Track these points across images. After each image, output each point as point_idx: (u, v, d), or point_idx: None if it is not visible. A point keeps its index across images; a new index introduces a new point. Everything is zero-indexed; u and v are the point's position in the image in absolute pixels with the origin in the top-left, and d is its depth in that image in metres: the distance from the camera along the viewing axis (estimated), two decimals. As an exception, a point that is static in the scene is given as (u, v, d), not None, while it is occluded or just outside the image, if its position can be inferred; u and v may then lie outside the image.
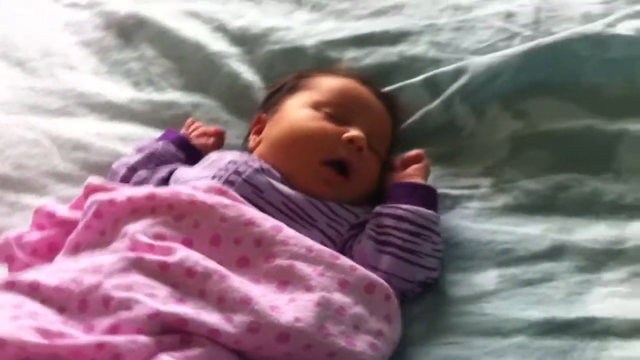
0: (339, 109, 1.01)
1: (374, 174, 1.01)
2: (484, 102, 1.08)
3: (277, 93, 1.10)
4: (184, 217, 0.87)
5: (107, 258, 0.83)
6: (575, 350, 0.82)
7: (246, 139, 1.12)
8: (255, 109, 1.19)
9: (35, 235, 0.98)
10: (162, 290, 0.79)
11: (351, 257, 0.90)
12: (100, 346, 0.71)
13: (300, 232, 0.89)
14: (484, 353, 0.83)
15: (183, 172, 1.02)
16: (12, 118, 1.22)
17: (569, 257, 0.91)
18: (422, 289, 0.92)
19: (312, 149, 0.97)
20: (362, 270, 0.83)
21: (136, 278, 0.79)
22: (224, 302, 0.77)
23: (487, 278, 0.92)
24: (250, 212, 0.86)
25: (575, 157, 1.01)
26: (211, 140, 1.14)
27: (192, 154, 1.10)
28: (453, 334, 0.87)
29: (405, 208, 0.93)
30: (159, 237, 0.85)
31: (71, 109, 1.25)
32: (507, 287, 0.90)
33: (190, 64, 1.28)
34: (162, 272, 0.80)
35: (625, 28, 1.08)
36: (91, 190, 0.97)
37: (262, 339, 0.75)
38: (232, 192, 0.90)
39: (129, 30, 1.34)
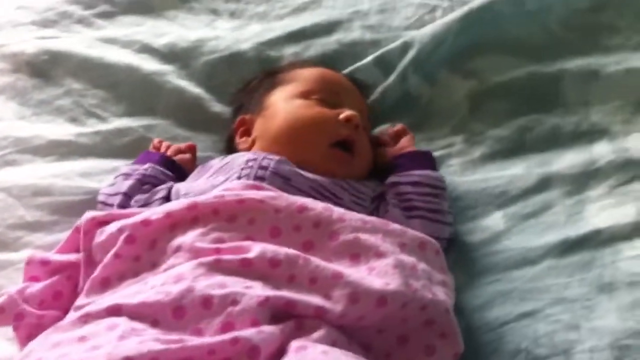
0: (326, 95, 1.06)
1: (369, 148, 1.07)
2: (434, 69, 1.19)
3: (255, 93, 1.11)
4: (237, 218, 0.86)
5: (181, 268, 0.80)
6: (595, 259, 0.93)
7: (229, 144, 1.12)
8: (211, 120, 1.20)
9: (37, 286, 0.91)
10: (255, 283, 0.78)
11: None
12: (234, 341, 0.70)
13: None
14: (526, 281, 0.93)
15: (185, 186, 1.01)
16: (-53, 179, 1.11)
17: (556, 185, 1.04)
18: (447, 244, 0.99)
19: (317, 134, 1.01)
20: (411, 231, 0.89)
21: (222, 278, 0.78)
22: (317, 281, 0.79)
23: (495, 220, 1.02)
24: (298, 199, 0.88)
25: (527, 101, 1.14)
26: (188, 155, 1.13)
27: (177, 172, 1.08)
28: (490, 273, 0.95)
29: (418, 174, 1.01)
30: (219, 241, 0.84)
31: (11, 157, 1.15)
32: (515, 223, 1.01)
33: (127, 89, 1.23)
34: (244, 269, 0.80)
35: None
36: (97, 223, 0.93)
37: (364, 307, 0.78)
38: (267, 185, 0.91)
39: (44, 68, 1.26)
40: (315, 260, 0.80)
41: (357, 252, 0.84)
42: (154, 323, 0.75)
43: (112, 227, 0.89)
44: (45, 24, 1.34)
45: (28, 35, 1.32)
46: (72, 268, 0.94)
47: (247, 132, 1.09)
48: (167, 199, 1.00)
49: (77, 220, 1.00)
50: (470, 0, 1.25)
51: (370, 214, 0.99)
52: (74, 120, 1.21)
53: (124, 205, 1.01)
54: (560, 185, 1.04)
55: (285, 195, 0.88)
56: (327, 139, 1.01)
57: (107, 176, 1.11)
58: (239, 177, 0.95)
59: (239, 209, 0.87)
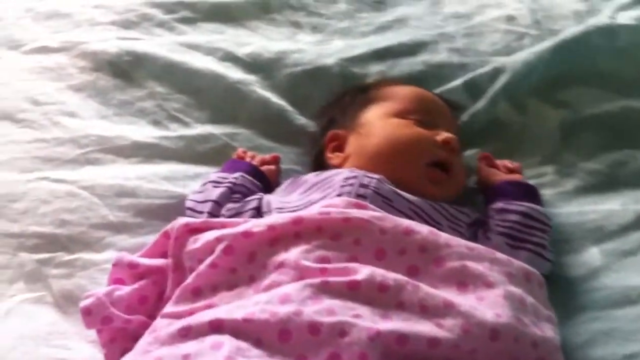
0: (423, 115, 1.05)
1: (464, 172, 1.07)
2: (526, 97, 1.18)
3: (349, 108, 1.10)
4: (342, 236, 0.84)
5: (287, 288, 0.78)
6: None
7: (318, 159, 1.10)
8: (295, 133, 1.18)
9: (125, 290, 0.90)
10: (364, 310, 0.76)
11: None
12: None
13: None
14: (629, 321, 0.90)
15: (278, 200, 0.99)
16: (30, 175, 1.09)
17: (653, 221, 1.02)
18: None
19: (415, 154, 1.00)
20: (517, 262, 0.86)
21: (331, 302, 0.76)
22: (427, 309, 0.76)
23: (591, 255, 1.00)
24: (404, 220, 0.86)
25: (620, 135, 1.13)
26: (273, 167, 1.11)
27: (264, 182, 1.07)
28: (589, 310, 0.93)
29: (528, 205, 0.99)
30: (323, 260, 0.82)
31: (94, 155, 1.13)
32: (613, 260, 0.99)
33: (211, 96, 1.22)
34: (351, 292, 0.77)
35: (625, 18, 1.23)
36: (191, 230, 0.90)
37: (477, 339, 0.75)
38: (370, 205, 0.89)
39: (127, 69, 1.25)
40: (424, 287, 0.78)
41: (465, 280, 0.82)
42: (258, 342, 0.73)
43: (209, 236, 0.87)
44: (126, 25, 1.33)
45: (108, 34, 1.31)
46: (159, 273, 0.92)
47: (340, 148, 1.07)
48: (257, 210, 0.99)
49: (160, 223, 1.00)
50: (558, 30, 1.25)
51: (468, 240, 0.97)
52: (157, 123, 1.20)
53: (214, 213, 0.99)
54: (659, 221, 1.02)
55: (390, 216, 0.86)
56: (424, 159, 1.00)
57: (190, 182, 1.09)
58: (339, 195, 0.93)
59: (344, 227, 0.85)
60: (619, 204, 1.05)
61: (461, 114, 1.17)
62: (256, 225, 0.86)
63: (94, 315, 0.85)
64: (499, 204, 1.00)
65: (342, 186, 0.94)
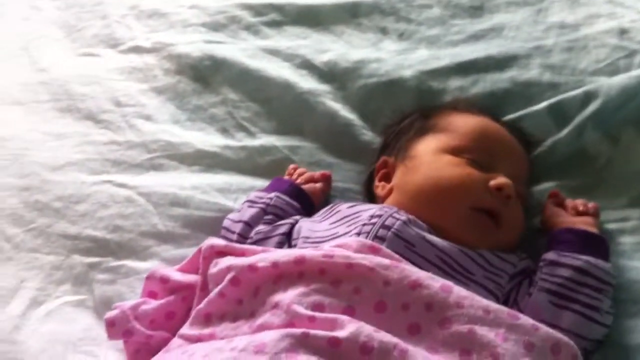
0: (480, 154, 0.94)
1: (522, 220, 0.95)
2: (619, 128, 1.01)
3: (404, 135, 1.02)
4: (342, 283, 0.79)
5: (266, 335, 0.74)
6: None
7: (368, 185, 1.04)
8: (359, 149, 1.12)
9: (151, 305, 0.91)
10: None
11: (518, 311, 0.83)
12: None
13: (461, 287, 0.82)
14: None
15: (309, 226, 0.94)
16: (97, 177, 1.14)
17: None
18: (597, 346, 0.84)
19: (459, 197, 0.90)
20: (544, 329, 0.75)
21: (304, 358, 0.71)
22: None
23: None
24: (414, 272, 0.78)
25: None
26: (319, 185, 1.06)
27: (305, 202, 1.03)
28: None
29: (585, 259, 0.85)
30: (317, 307, 0.77)
31: (159, 161, 1.16)
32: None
33: (279, 106, 1.19)
34: (332, 349, 0.72)
35: None
36: (216, 252, 0.90)
37: None
38: (385, 249, 0.82)
39: (206, 74, 1.26)
40: (412, 352, 0.70)
41: (469, 348, 0.73)
42: None
43: (224, 263, 0.86)
44: (215, 27, 1.33)
45: (196, 37, 1.32)
46: (189, 289, 0.93)
47: (387, 177, 1.00)
48: (288, 234, 0.95)
49: (205, 236, 0.99)
50: (679, 48, 1.06)
51: (508, 294, 0.87)
52: (224, 131, 1.19)
53: (244, 234, 0.97)
54: None
55: (401, 265, 0.78)
56: (468, 202, 0.90)
57: (243, 195, 1.08)
58: (359, 233, 0.86)
59: (346, 273, 0.79)
60: None
61: (538, 145, 1.03)
62: (262, 260, 0.83)
63: (117, 328, 0.88)
64: (551, 255, 0.87)
65: (364, 224, 0.88)
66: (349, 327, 0.73)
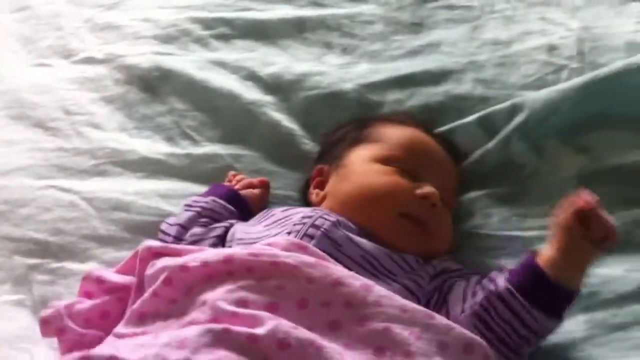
0: (409, 164, 0.98)
1: (449, 227, 0.98)
2: (544, 139, 1.06)
3: (339, 145, 1.06)
4: (267, 280, 0.81)
5: (189, 331, 0.76)
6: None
7: (304, 191, 1.08)
8: (300, 158, 1.16)
9: (86, 304, 0.92)
10: None
11: (446, 314, 0.87)
12: None
13: (382, 287, 0.85)
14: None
15: (243, 229, 0.98)
16: (43, 182, 1.16)
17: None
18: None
19: (387, 204, 0.94)
20: (458, 329, 0.78)
21: (224, 354, 0.73)
22: None
23: (575, 324, 0.89)
24: (337, 270, 0.81)
25: (645, 191, 0.99)
26: (257, 191, 1.10)
27: (242, 207, 1.05)
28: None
29: (535, 316, 0.82)
30: (241, 303, 0.79)
31: (104, 167, 1.18)
32: (598, 333, 0.88)
33: (225, 115, 1.23)
34: (251, 345, 0.74)
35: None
36: (152, 254, 0.92)
37: None
38: (312, 247, 0.85)
39: (154, 84, 1.29)
40: (330, 351, 0.73)
41: (384, 345, 0.76)
42: None
43: (159, 264, 0.88)
44: (166, 39, 1.36)
45: (147, 48, 1.35)
46: (124, 290, 0.94)
47: (322, 185, 1.04)
48: (222, 237, 0.98)
49: (145, 240, 1.00)
50: (603, 63, 1.12)
51: (432, 293, 0.90)
52: (169, 139, 1.22)
53: (179, 236, 1.00)
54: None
55: (324, 263, 0.82)
56: (397, 209, 0.94)
57: (184, 200, 1.10)
58: (289, 233, 0.90)
59: (271, 271, 0.82)
60: (623, 269, 0.93)
61: (467, 155, 1.08)
62: (193, 260, 0.85)
63: (51, 326, 0.89)
64: (504, 290, 0.83)
65: (295, 224, 0.91)
66: (268, 324, 0.75)
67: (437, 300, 0.90)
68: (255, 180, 1.12)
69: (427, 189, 0.95)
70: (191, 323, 0.80)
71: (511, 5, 1.28)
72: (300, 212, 0.94)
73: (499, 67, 1.18)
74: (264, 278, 0.82)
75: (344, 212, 0.94)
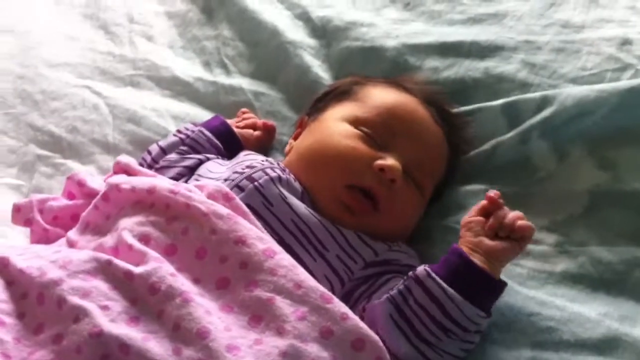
0: (380, 130, 0.88)
1: (412, 211, 0.88)
2: (569, 142, 0.91)
3: (326, 97, 0.98)
4: (176, 220, 0.79)
5: (78, 254, 0.77)
6: None
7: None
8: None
9: (60, 203, 0.95)
10: (118, 305, 0.71)
11: (362, 308, 0.80)
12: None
13: (303, 259, 0.79)
14: None
15: (210, 166, 0.95)
16: (81, 81, 1.21)
17: (621, 355, 0.74)
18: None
19: (337, 170, 0.85)
20: (354, 321, 0.71)
21: (98, 284, 0.73)
22: (179, 330, 0.69)
23: (519, 358, 0.77)
24: (246, 228, 0.76)
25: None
26: (256, 133, 1.06)
27: (233, 145, 1.02)
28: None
29: (450, 294, 0.75)
30: (143, 238, 0.78)
31: (138, 79, 1.21)
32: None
33: (263, 51, 1.19)
34: (126, 281, 0.73)
35: None
36: (119, 168, 0.93)
37: None
38: (237, 200, 0.80)
39: (213, 6, 1.28)
40: (196, 307, 0.69)
41: (261, 315, 0.71)
42: (23, 296, 0.73)
43: (111, 179, 0.89)
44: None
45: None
46: (99, 197, 0.97)
47: (298, 137, 0.97)
48: (193, 169, 0.96)
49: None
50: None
51: (357, 282, 0.82)
52: (206, 64, 1.22)
53: (157, 159, 1.00)
54: (628, 358, 0.74)
55: (237, 219, 0.77)
56: (345, 179, 0.85)
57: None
58: (226, 180, 0.85)
59: (183, 212, 0.79)
60: (597, 312, 0.79)
61: (468, 145, 0.96)
62: (126, 182, 0.85)
63: (20, 214, 0.94)
64: (421, 271, 0.78)
65: (235, 172, 0.87)
66: (148, 265, 0.73)
67: (364, 292, 0.82)
68: (260, 121, 1.08)
69: (389, 161, 0.85)
70: (100, 245, 0.81)
71: (605, -15, 1.09)
72: (252, 160, 0.89)
73: (556, 52, 1.02)
74: (175, 218, 0.80)
75: (297, 169, 0.88)
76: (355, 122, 0.89)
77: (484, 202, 0.83)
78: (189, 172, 0.96)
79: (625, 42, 0.99)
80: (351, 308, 0.79)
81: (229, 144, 1.02)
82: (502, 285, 0.79)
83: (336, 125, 0.89)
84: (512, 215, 0.80)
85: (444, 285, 0.76)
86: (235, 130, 1.05)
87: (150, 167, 1.00)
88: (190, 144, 1.00)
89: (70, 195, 0.98)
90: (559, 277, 0.83)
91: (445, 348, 0.76)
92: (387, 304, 0.78)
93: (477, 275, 0.77)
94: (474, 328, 0.77)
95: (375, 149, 0.87)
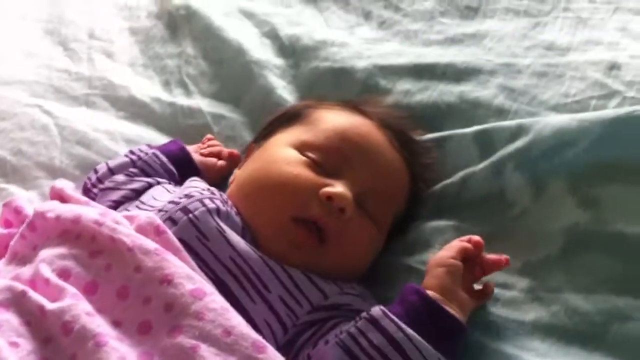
0: (329, 156, 0.80)
1: (366, 245, 0.79)
2: (547, 176, 0.81)
3: (276, 121, 0.90)
4: (100, 255, 0.71)
5: None
6: None
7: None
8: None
9: None
10: (28, 343, 0.64)
11: (307, 356, 0.71)
12: None
13: (241, 300, 0.71)
14: None
15: (157, 193, 0.87)
16: (33, 100, 1.13)
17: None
18: None
19: (279, 201, 0.76)
20: None
21: (9, 317, 0.66)
22: None
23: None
24: (174, 266, 0.68)
25: (643, 276, 0.73)
26: (220, 162, 0.98)
27: (189, 173, 0.93)
28: None
29: (410, 335, 0.68)
30: (63, 273, 0.70)
31: (93, 99, 1.13)
32: None
33: (227, 70, 1.12)
34: (40, 317, 0.66)
35: None
36: (54, 194, 0.87)
37: None
38: (169, 234, 0.72)
39: (178, 23, 1.21)
40: (108, 349, 0.62)
41: None
42: None
43: (40, 206, 0.81)
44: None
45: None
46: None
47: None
48: (141, 192, 0.88)
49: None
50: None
51: (301, 327, 0.73)
52: (166, 84, 1.15)
53: (102, 179, 0.93)
54: None
55: (164, 255, 0.68)
56: (290, 211, 0.76)
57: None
58: (160, 210, 0.77)
59: (107, 246, 0.71)
60: (574, 370, 0.69)
61: (442, 173, 0.87)
62: (52, 210, 0.78)
63: None
64: (376, 311, 0.70)
65: (171, 202, 0.78)
66: (64, 301, 0.66)
67: (309, 339, 0.73)
68: (226, 150, 1.00)
69: (338, 188, 0.76)
70: (17, 276, 0.73)
71: (593, 6, 1.00)
72: (193, 189, 0.81)
73: (538, 77, 0.93)
74: (99, 252, 0.72)
75: (237, 201, 0.80)
76: (301, 147, 0.81)
77: (466, 245, 0.76)
78: (136, 196, 0.88)
79: (613, 67, 0.90)
80: (294, 357, 0.71)
81: (184, 171, 0.94)
82: (464, 329, 0.71)
83: (280, 151, 0.81)
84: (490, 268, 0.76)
85: (403, 325, 0.68)
86: (197, 157, 0.97)
87: (94, 186, 0.92)
88: (141, 167, 0.92)
89: (6, 223, 0.90)
90: (529, 327, 0.74)
91: None
92: (336, 348, 0.69)
93: (439, 316, 0.70)
94: None
95: (323, 176, 0.78)
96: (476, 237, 0.77)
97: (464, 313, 0.73)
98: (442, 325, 0.70)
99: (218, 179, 0.96)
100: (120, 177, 0.91)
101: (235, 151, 1.00)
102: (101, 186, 0.91)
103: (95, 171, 0.95)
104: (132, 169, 0.92)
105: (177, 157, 0.95)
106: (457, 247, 0.76)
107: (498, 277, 0.79)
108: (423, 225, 0.86)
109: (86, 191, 0.93)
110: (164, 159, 0.93)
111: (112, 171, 0.93)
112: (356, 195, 0.77)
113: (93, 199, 0.90)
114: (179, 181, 0.93)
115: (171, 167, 0.93)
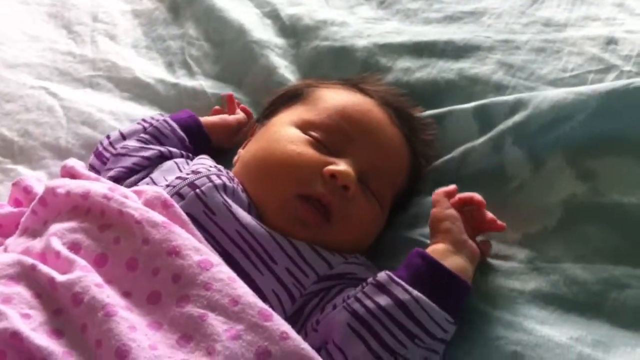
0: (331, 134, 0.81)
1: (369, 222, 0.81)
2: (545, 149, 0.83)
3: (278, 101, 0.91)
4: (109, 228, 0.73)
5: (3, 257, 0.71)
6: None
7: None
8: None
9: (4, 210, 0.89)
10: (40, 314, 0.66)
11: (315, 322, 0.73)
12: None
13: (249, 273, 0.73)
14: None
15: (170, 168, 0.88)
16: (38, 82, 1.14)
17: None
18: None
19: (284, 179, 0.78)
20: (295, 340, 0.63)
21: (20, 290, 0.67)
22: (100, 347, 0.62)
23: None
24: (181, 238, 0.69)
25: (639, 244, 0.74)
26: (229, 118, 1.00)
27: (200, 140, 0.95)
28: None
29: (415, 295, 0.69)
30: (74, 246, 0.72)
31: (97, 80, 1.14)
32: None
33: (229, 51, 1.13)
34: (50, 289, 0.68)
35: None
36: (65, 172, 0.88)
37: None
38: (176, 207, 0.73)
39: (180, 5, 1.22)
40: (117, 319, 0.63)
41: (191, 335, 0.64)
42: None
43: (50, 182, 0.83)
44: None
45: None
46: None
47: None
48: (154, 160, 0.89)
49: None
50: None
51: (309, 296, 0.75)
52: (169, 65, 1.16)
53: (114, 143, 0.94)
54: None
55: (172, 228, 0.70)
56: (294, 188, 0.77)
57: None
58: (168, 185, 0.78)
59: (116, 220, 0.73)
60: (569, 336, 0.71)
61: (442, 149, 0.88)
62: (62, 186, 0.79)
63: None
64: (382, 276, 0.72)
65: (178, 177, 0.79)
66: (74, 273, 0.67)
67: (316, 306, 0.75)
68: (234, 121, 1.01)
69: (341, 166, 0.77)
70: (27, 249, 0.75)
71: (591, -19, 1.02)
72: (200, 165, 0.82)
73: (536, 52, 0.94)
74: (108, 226, 0.73)
75: (242, 180, 0.81)
76: (304, 126, 0.82)
77: (465, 195, 0.79)
78: (148, 164, 0.89)
79: (611, 42, 0.91)
80: (302, 325, 0.74)
81: (195, 139, 0.95)
82: (469, 288, 0.73)
83: (283, 131, 0.82)
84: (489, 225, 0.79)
85: (409, 288, 0.70)
86: (205, 120, 0.98)
87: (105, 149, 0.94)
88: (152, 133, 0.93)
89: (16, 203, 0.92)
90: (529, 296, 0.76)
91: (409, 356, 0.69)
92: (344, 312, 0.71)
93: (443, 277, 0.72)
94: (441, 335, 0.70)
95: (325, 155, 0.79)
96: (478, 196, 0.78)
97: (473, 262, 0.74)
98: (447, 286, 0.71)
99: (230, 136, 0.99)
100: (132, 143, 0.92)
101: (242, 117, 1.01)
102: (113, 151, 0.92)
103: (108, 137, 0.96)
104: (143, 135, 0.93)
105: (186, 124, 0.96)
106: (445, 199, 0.79)
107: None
108: (424, 199, 0.87)
109: (98, 155, 0.94)
110: (174, 125, 0.95)
111: (124, 136, 0.94)
112: (359, 172, 0.79)
113: (105, 163, 0.92)
114: (190, 148, 0.95)
115: (181, 133, 0.94)
